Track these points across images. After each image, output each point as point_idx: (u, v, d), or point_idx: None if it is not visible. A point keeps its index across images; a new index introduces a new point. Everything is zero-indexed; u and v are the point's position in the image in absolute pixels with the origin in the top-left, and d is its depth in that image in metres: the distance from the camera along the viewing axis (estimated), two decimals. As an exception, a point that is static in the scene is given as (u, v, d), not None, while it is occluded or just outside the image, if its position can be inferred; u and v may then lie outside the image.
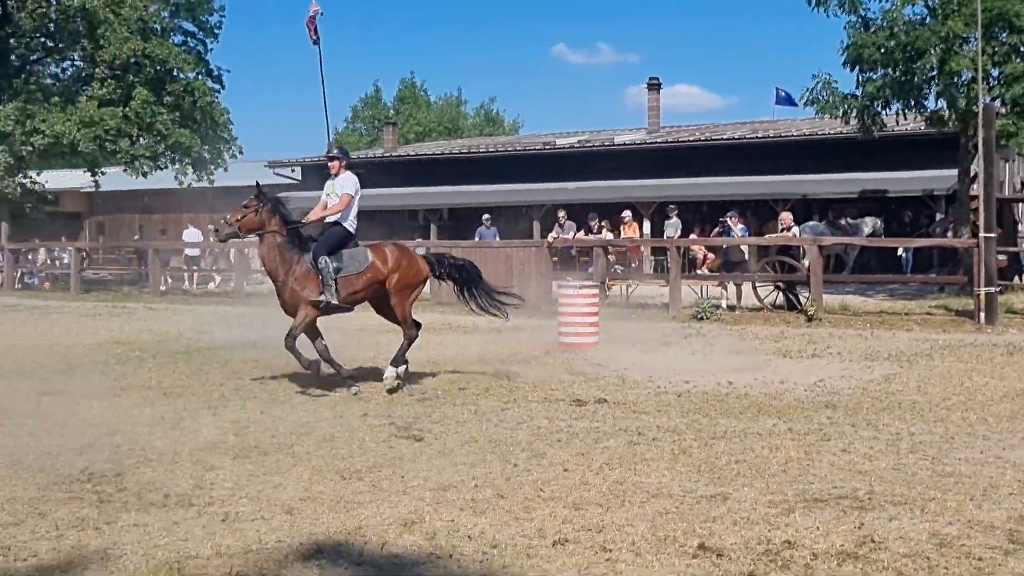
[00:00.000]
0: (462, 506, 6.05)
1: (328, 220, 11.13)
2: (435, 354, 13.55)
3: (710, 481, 6.66)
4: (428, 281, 12.10)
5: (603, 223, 24.91)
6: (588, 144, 37.97)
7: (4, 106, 31.09)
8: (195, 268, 30.32)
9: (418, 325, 11.62)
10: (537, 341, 15.25)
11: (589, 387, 10.82)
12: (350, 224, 11.17)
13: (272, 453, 7.59)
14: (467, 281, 11.94)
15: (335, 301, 10.69)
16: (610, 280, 22.16)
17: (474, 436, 8.20)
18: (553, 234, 24.89)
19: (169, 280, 29.75)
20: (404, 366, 11.10)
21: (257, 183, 11.45)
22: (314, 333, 11.00)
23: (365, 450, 7.69)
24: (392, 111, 69.71)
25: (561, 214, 26.04)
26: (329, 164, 11.40)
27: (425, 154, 41.67)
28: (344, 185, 11.15)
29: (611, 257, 22.73)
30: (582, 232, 24.84)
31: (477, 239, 27.34)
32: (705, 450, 7.62)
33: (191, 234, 32.37)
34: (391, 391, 10.47)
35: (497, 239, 27.13)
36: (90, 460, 7.39)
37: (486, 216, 29.79)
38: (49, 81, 35.54)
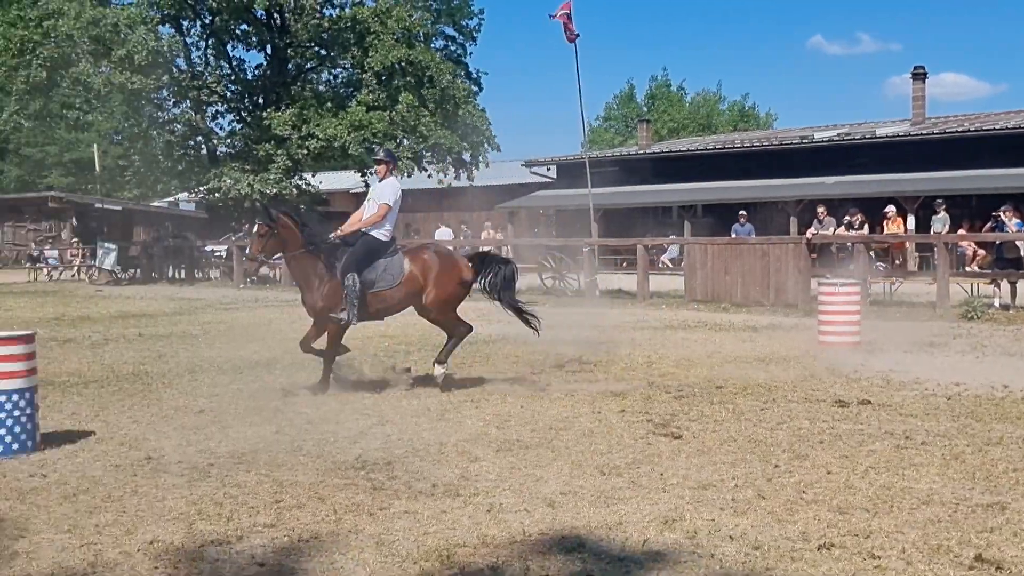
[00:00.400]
0: (722, 506, 6.01)
1: (362, 230, 10.72)
2: (690, 351, 13.49)
3: (986, 489, 6.34)
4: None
5: (864, 218, 24.03)
6: (848, 137, 36.76)
7: (282, 112, 33.11)
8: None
9: (468, 326, 11.06)
10: (796, 340, 14.92)
11: (851, 388, 10.49)
12: (383, 233, 10.63)
13: (533, 447, 7.76)
14: (505, 287, 11.03)
15: (355, 323, 10.40)
16: (872, 277, 21.39)
17: (732, 435, 8.11)
18: (812, 230, 24.21)
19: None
20: (445, 366, 10.72)
21: (264, 205, 11.40)
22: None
23: (623, 446, 7.74)
24: (645, 108, 69.75)
25: (820, 209, 25.27)
26: (376, 168, 11.02)
27: (679, 151, 41.45)
28: (384, 193, 10.65)
29: (872, 254, 21.94)
30: (842, 228, 24.06)
31: (732, 236, 26.98)
32: (979, 456, 7.25)
33: (443, 233, 33.67)
34: (442, 386, 10.48)
35: (752, 236, 26.69)
36: (363, 448, 7.78)
37: (741, 212, 29.36)
38: (322, 88, 37.66)
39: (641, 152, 42.98)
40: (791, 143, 37.90)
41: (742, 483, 6.54)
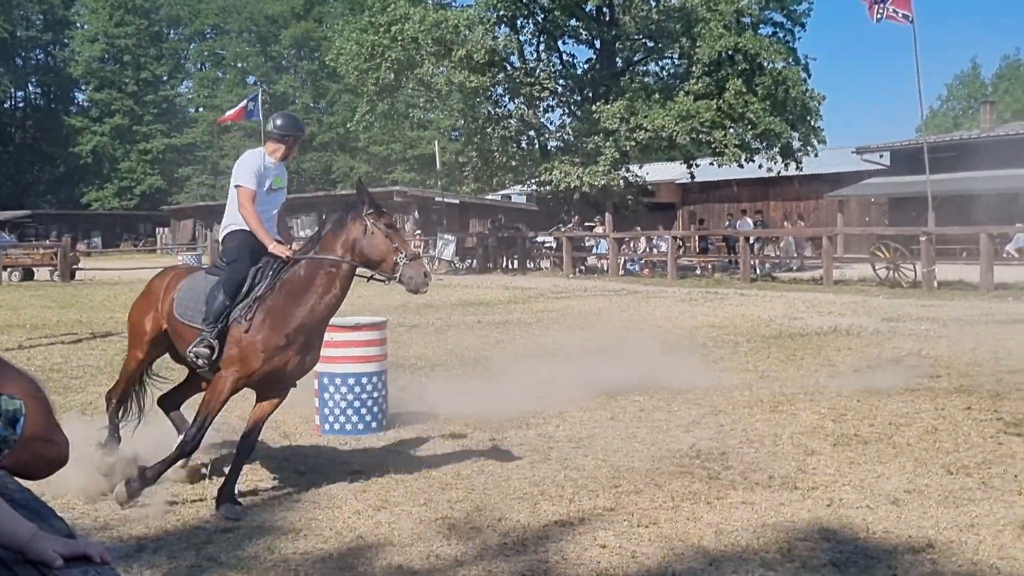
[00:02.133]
0: (1086, 513, 5.62)
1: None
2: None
3: None
4: None
5: None
6: None
7: (611, 105, 33.56)
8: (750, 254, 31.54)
9: None
10: None
11: None
12: None
13: (872, 442, 7.53)
14: None
15: None
16: None
17: (1096, 439, 7.54)
18: None
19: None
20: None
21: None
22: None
23: (971, 445, 7.37)
24: (991, 89, 65.46)
25: None
26: (290, 145, 6.95)
27: (1024, 133, 38.53)
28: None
29: None
30: None
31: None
32: None
33: (745, 223, 33.37)
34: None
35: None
36: (696, 437, 7.83)
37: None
38: (649, 79, 37.82)
39: (985, 135, 40.35)
40: None
41: (1110, 490, 6.08)
